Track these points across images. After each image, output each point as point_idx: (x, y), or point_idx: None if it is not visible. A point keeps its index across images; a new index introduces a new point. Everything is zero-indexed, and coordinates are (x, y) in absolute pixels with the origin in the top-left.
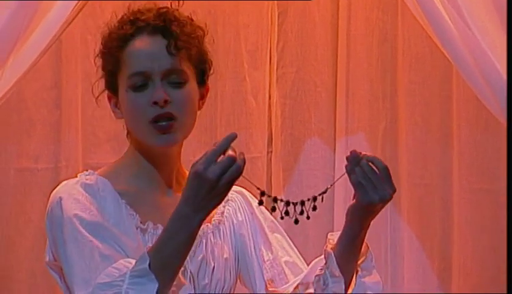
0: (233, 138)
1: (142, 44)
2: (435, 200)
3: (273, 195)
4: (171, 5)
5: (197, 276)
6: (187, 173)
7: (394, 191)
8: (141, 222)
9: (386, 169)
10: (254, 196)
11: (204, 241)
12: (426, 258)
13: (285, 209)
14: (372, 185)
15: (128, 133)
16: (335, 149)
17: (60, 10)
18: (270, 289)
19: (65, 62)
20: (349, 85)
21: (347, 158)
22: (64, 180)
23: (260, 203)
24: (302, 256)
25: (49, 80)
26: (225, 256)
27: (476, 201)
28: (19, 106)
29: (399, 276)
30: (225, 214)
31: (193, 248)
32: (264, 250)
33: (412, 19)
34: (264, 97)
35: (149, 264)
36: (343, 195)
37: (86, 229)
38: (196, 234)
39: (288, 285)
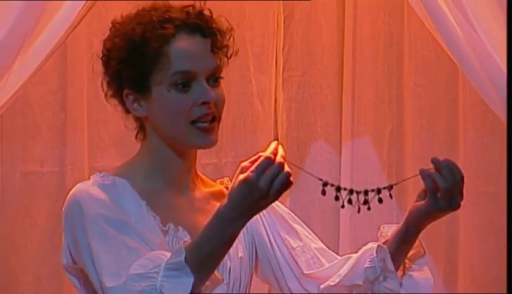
0: (277, 145)
1: (185, 43)
2: None
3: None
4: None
5: None
6: (200, 174)
7: (462, 199)
8: (162, 223)
9: (463, 179)
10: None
11: None
12: (432, 261)
13: (348, 197)
14: (447, 194)
15: (139, 132)
16: (341, 153)
17: (66, 13)
18: (306, 272)
19: (70, 65)
20: (355, 88)
21: (432, 160)
22: (70, 183)
23: (323, 192)
24: None
25: (55, 84)
26: (239, 255)
27: (482, 204)
28: (25, 110)
29: None
30: None
31: None
32: (290, 239)
33: (418, 22)
34: (270, 100)
35: (185, 258)
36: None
37: (110, 226)
38: (236, 237)
39: (323, 268)
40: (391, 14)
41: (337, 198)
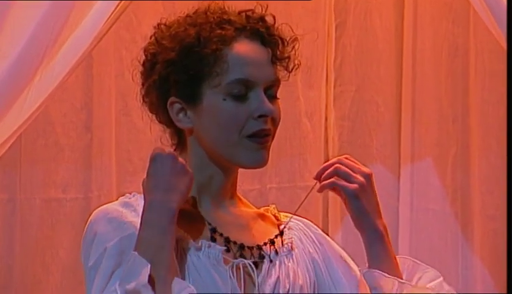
0: None
1: (245, 49)
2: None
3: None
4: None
5: None
6: (241, 197)
7: (366, 167)
8: (194, 240)
9: (346, 158)
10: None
11: (277, 262)
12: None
13: (239, 252)
14: (345, 176)
15: (177, 150)
16: (399, 177)
17: (93, 21)
18: None
19: (96, 80)
20: (415, 105)
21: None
22: None
23: (213, 240)
24: None
25: (79, 100)
26: (300, 282)
27: None
28: (46, 130)
29: None
30: (292, 240)
31: (265, 267)
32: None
33: (485, 31)
34: (320, 118)
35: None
36: None
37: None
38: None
39: None
40: (456, 22)
41: (228, 250)
